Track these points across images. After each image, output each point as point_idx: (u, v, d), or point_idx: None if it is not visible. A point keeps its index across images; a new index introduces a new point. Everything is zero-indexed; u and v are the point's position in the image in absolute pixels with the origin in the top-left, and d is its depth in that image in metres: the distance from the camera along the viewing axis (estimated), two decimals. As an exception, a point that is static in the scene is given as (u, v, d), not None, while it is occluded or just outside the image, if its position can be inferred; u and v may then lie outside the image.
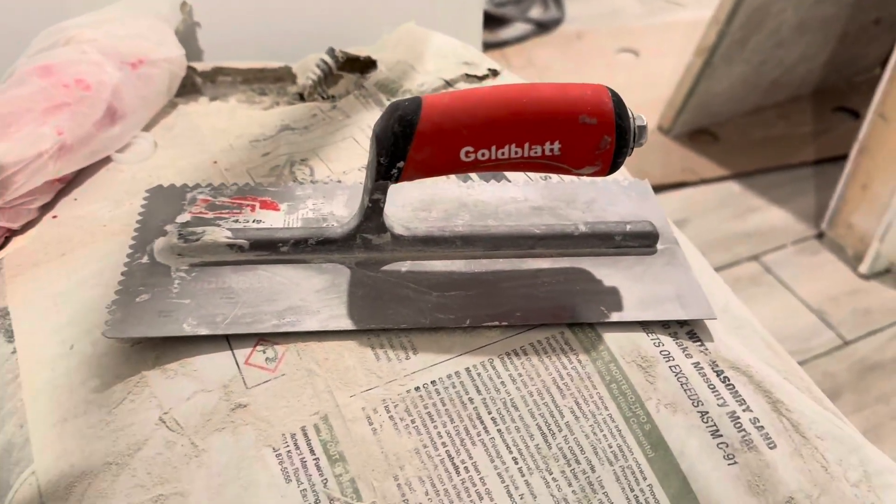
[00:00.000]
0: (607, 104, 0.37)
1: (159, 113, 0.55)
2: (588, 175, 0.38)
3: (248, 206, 0.44)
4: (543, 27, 1.78)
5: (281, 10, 0.64)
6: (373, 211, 0.39)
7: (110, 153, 0.50)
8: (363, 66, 0.63)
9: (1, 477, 0.37)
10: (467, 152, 0.36)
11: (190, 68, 0.61)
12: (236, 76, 0.63)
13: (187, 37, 0.62)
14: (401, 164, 0.37)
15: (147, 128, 0.53)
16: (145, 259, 0.40)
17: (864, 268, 1.27)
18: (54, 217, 0.47)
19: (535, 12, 1.83)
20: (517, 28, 1.77)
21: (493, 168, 0.37)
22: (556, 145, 0.37)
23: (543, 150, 0.37)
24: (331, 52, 0.61)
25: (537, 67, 1.66)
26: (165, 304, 0.38)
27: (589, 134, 0.37)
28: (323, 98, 0.60)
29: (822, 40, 1.53)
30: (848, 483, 0.36)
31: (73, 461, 0.34)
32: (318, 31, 0.64)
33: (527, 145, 0.37)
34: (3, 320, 0.41)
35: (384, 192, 0.39)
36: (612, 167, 0.38)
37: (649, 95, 1.59)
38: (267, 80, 0.64)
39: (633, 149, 0.38)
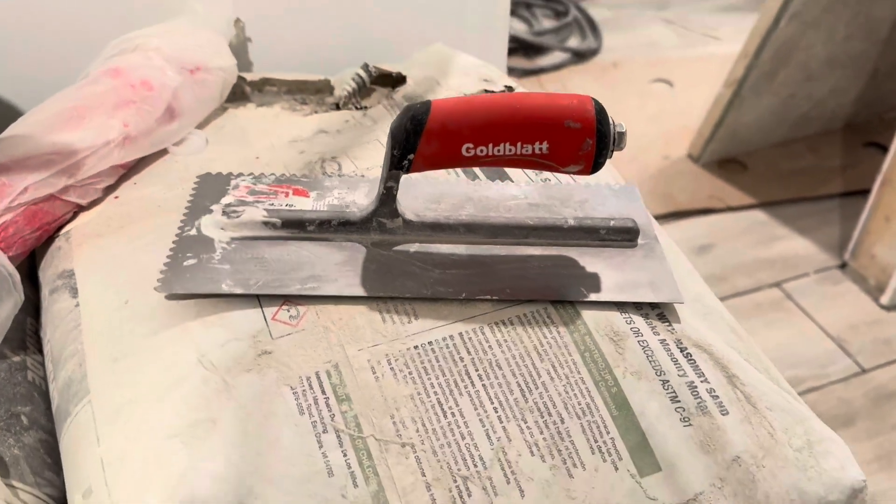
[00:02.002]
0: (590, 112, 0.43)
1: (212, 115, 0.62)
2: (573, 173, 0.44)
3: (282, 192, 0.50)
4: (580, 56, 1.84)
5: (322, 28, 0.71)
6: (387, 197, 0.46)
7: (167, 146, 0.57)
8: (394, 81, 0.70)
9: (61, 406, 0.44)
10: (468, 148, 0.43)
11: (240, 78, 0.68)
12: (281, 86, 0.70)
13: (238, 50, 0.70)
14: (411, 156, 0.43)
15: (201, 126, 0.61)
16: (193, 231, 0.47)
17: (885, 299, 1.30)
18: (116, 197, 0.54)
19: (573, 42, 1.90)
20: (555, 56, 1.83)
21: (491, 163, 0.44)
22: (545, 145, 0.43)
23: (533, 149, 0.43)
24: (365, 66, 0.68)
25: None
26: (208, 268, 0.45)
27: (573, 136, 0.43)
28: (356, 108, 0.67)
29: (853, 76, 1.56)
30: (791, 448, 0.41)
31: (123, 392, 0.41)
32: (356, 49, 0.71)
33: (519, 144, 0.43)
34: (69, 280, 0.48)
35: (397, 181, 0.45)
36: (594, 167, 0.44)
37: (681, 123, 1.64)
38: (308, 92, 0.71)
39: (612, 152, 0.44)
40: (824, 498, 0.40)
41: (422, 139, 0.42)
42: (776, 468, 0.40)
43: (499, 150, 0.43)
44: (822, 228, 1.49)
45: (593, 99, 0.44)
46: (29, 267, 0.53)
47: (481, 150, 0.43)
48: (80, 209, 0.53)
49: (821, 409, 1.19)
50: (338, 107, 0.68)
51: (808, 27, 1.39)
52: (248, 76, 0.69)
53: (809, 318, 1.30)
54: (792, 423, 0.42)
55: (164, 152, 0.57)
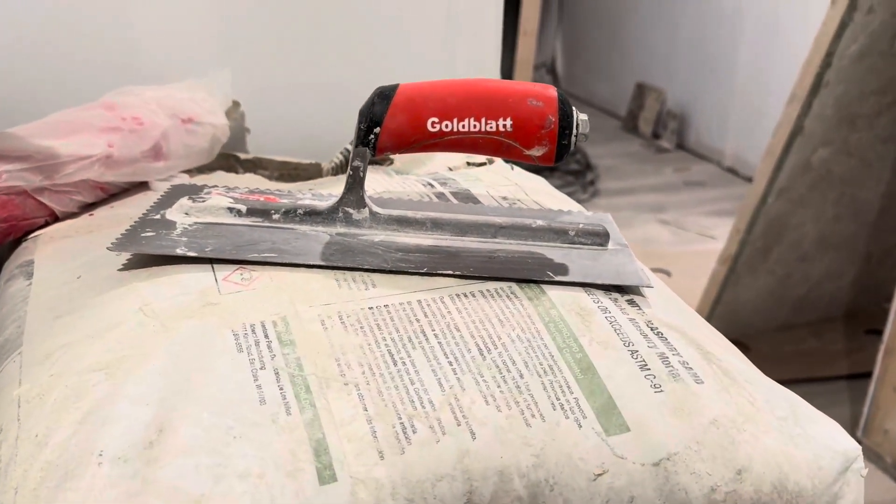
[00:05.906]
0: (552, 92, 0.44)
1: (202, 168, 0.64)
2: (537, 158, 0.44)
3: (254, 198, 0.50)
4: (580, 246, 1.89)
5: (316, 108, 0.75)
6: (354, 181, 0.46)
7: (150, 181, 0.58)
8: (381, 158, 0.72)
9: (-8, 368, 0.41)
10: (433, 122, 0.43)
11: (234, 157, 0.71)
12: (273, 170, 0.73)
13: (236, 134, 0.73)
14: (377, 129, 0.44)
15: (189, 174, 0.62)
16: (157, 216, 0.47)
17: (904, 477, 1.22)
18: (91, 215, 0.54)
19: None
20: (555, 245, 1.88)
21: (457, 143, 0.44)
22: (508, 122, 0.43)
23: (497, 126, 0.44)
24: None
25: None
26: (166, 239, 0.44)
27: (536, 114, 0.43)
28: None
29: (847, 258, 1.58)
30: (775, 417, 0.37)
31: (57, 339, 0.39)
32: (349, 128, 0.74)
33: (483, 120, 0.43)
34: (27, 267, 0.47)
35: (364, 160, 0.45)
36: (559, 150, 0.44)
37: (680, 307, 1.64)
38: (300, 179, 0.73)
39: (576, 137, 0.44)
40: (814, 463, 0.36)
41: (388, 112, 0.43)
42: (759, 433, 0.36)
43: (463, 126, 0.43)
44: (831, 408, 1.42)
45: (556, 88, 0.45)
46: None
47: (446, 126, 0.43)
48: (53, 219, 0.53)
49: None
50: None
51: (797, 205, 1.44)
52: (242, 155, 0.72)
53: (825, 494, 1.21)
54: (774, 397, 0.39)
55: (146, 186, 0.58)
